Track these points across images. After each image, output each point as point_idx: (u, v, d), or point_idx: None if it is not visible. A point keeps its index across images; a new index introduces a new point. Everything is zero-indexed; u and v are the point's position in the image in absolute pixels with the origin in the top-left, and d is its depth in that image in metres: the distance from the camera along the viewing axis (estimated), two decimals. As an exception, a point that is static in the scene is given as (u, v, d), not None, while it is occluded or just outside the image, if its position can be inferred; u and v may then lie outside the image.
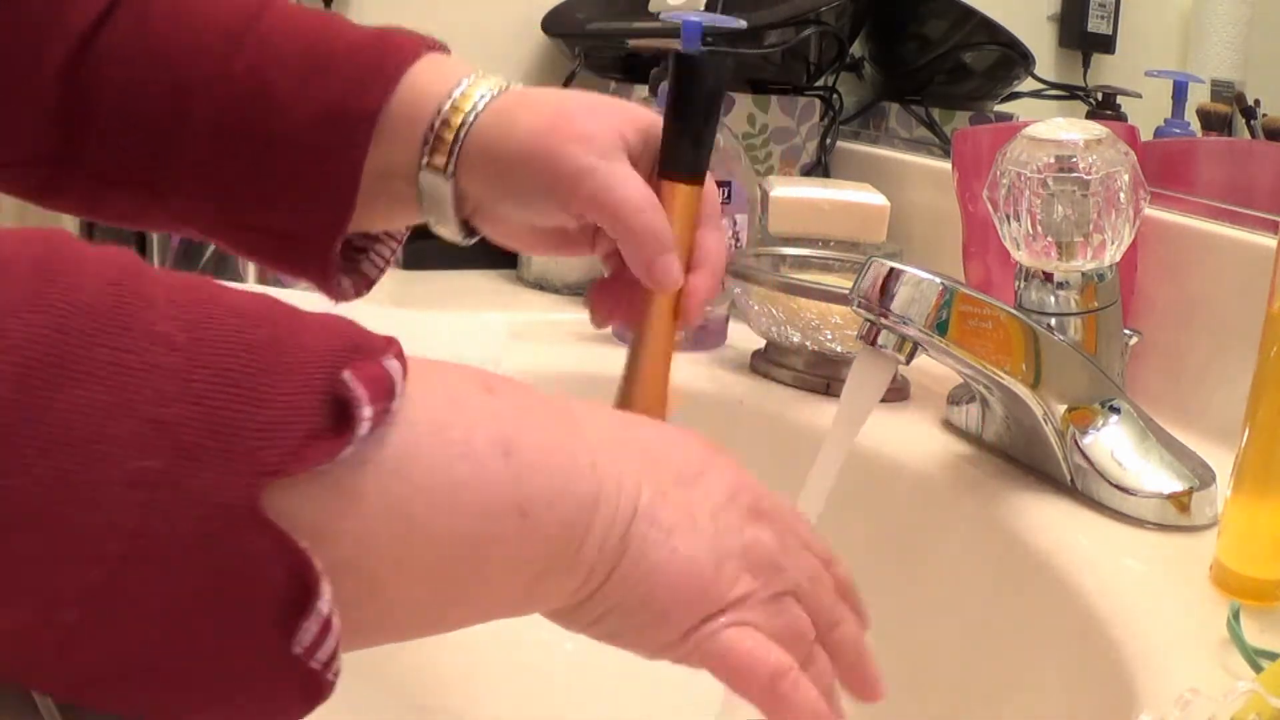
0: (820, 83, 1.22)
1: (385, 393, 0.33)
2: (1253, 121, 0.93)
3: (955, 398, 0.75)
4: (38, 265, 0.29)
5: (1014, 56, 1.17)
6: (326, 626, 0.31)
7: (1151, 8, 1.10)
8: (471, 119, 0.55)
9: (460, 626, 0.38)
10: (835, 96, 1.21)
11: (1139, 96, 1.04)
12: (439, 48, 0.58)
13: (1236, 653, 0.48)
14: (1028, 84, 1.15)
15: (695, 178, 0.57)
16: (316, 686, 0.32)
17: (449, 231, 0.58)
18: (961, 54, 1.23)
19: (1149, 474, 0.64)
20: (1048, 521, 0.63)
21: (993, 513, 0.66)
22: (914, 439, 0.74)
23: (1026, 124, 0.68)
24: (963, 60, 1.24)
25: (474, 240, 0.60)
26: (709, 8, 1.15)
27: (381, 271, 0.62)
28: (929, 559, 0.70)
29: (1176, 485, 0.63)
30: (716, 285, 0.57)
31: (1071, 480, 0.65)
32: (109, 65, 0.56)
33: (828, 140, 1.19)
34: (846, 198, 1.00)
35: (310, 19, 0.58)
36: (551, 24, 1.22)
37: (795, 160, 1.18)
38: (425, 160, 0.55)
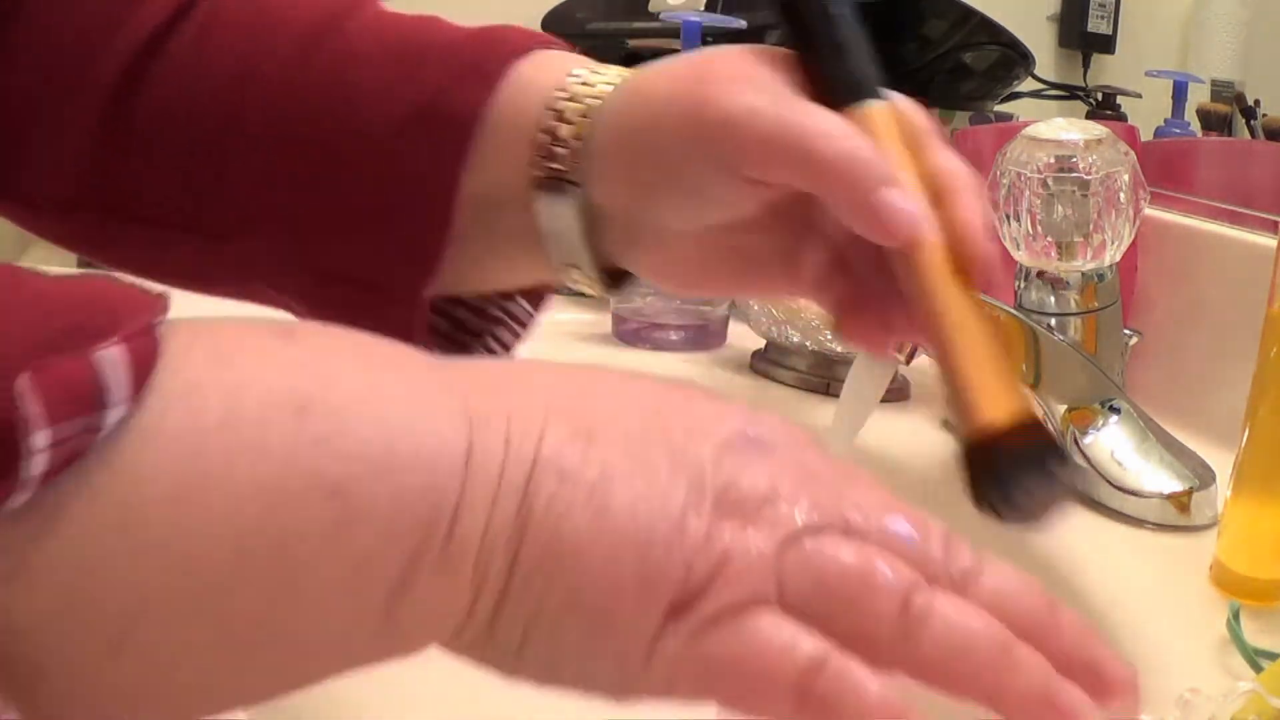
0: (820, 83, 1.22)
1: (84, 402, 0.23)
2: (1253, 121, 0.94)
3: (955, 398, 0.75)
4: None
5: (1014, 56, 1.17)
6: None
7: (1151, 8, 1.10)
8: (594, 105, 0.42)
9: (284, 690, 0.27)
10: (835, 96, 1.21)
11: (1139, 96, 1.04)
12: (555, 44, 0.46)
13: (1236, 653, 0.48)
14: (1028, 84, 1.15)
15: (870, 94, 0.41)
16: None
17: (583, 273, 0.43)
18: (961, 54, 1.23)
19: (1149, 474, 0.64)
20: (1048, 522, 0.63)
21: (993, 513, 0.66)
22: (914, 439, 0.74)
23: (1026, 124, 0.68)
24: (963, 60, 1.24)
25: (618, 294, 0.45)
26: (709, 8, 1.15)
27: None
28: (929, 559, 0.70)
29: (1176, 485, 0.63)
30: (983, 207, 0.39)
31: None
32: (162, 83, 0.45)
33: (828, 140, 1.19)
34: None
35: (405, 19, 0.46)
36: (551, 24, 1.22)
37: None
38: (541, 171, 0.42)
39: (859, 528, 0.29)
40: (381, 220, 0.43)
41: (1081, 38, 1.11)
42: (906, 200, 0.37)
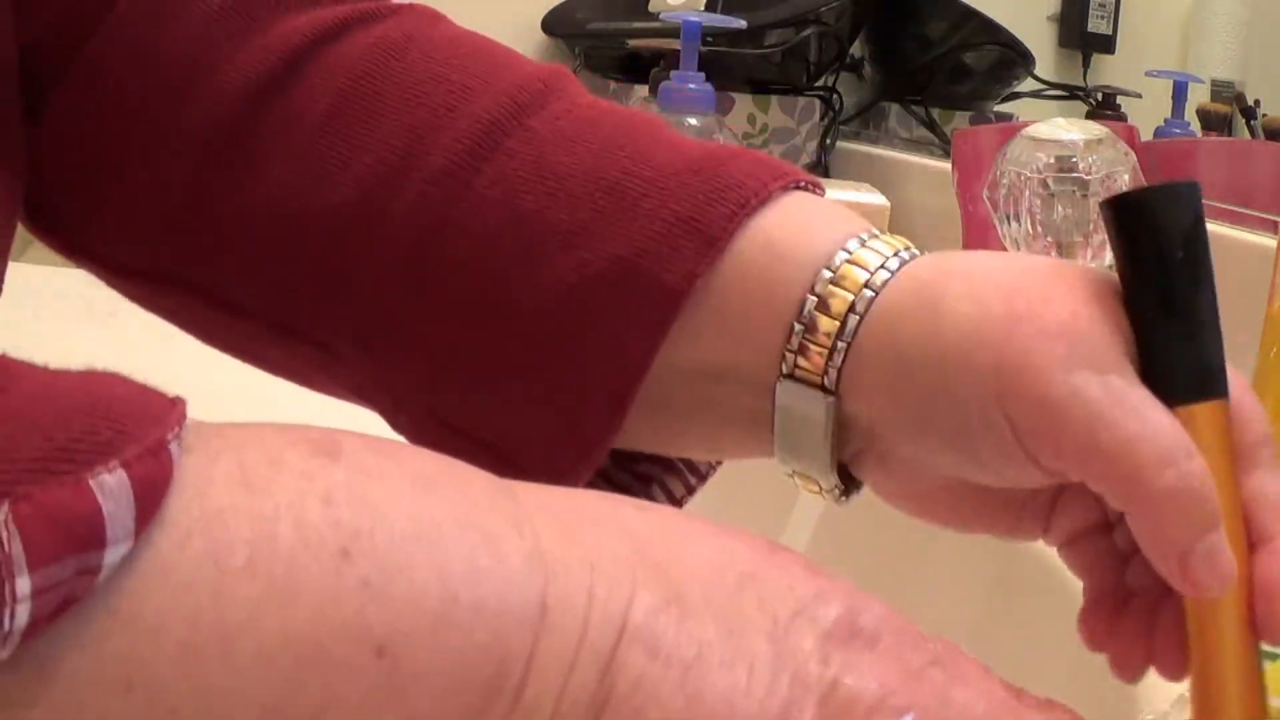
0: (820, 83, 1.23)
1: (79, 540, 0.20)
2: (1253, 121, 0.94)
3: (955, 398, 0.75)
4: None
5: (1014, 56, 1.17)
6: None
7: (1151, 8, 1.10)
8: (868, 299, 0.33)
9: None
10: (835, 96, 1.21)
11: (1139, 96, 1.04)
12: (805, 185, 0.36)
13: (1236, 653, 0.48)
14: (1028, 84, 1.15)
15: (1212, 395, 0.32)
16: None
17: (816, 479, 0.36)
18: (961, 54, 1.23)
19: (1149, 474, 0.63)
20: (1048, 522, 0.63)
21: (993, 513, 0.66)
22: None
23: (1026, 124, 0.68)
24: (963, 60, 1.24)
25: (846, 501, 0.38)
26: (709, 8, 1.15)
27: (670, 504, 0.40)
28: (929, 559, 0.70)
29: (1176, 485, 0.63)
30: None
31: (1071, 480, 0.65)
32: (268, 156, 0.37)
33: (828, 140, 1.19)
34: (846, 198, 1.00)
35: (604, 116, 0.37)
36: (552, 24, 1.23)
37: (795, 160, 1.18)
38: (789, 365, 0.34)
39: None
40: (539, 388, 0.35)
41: (1081, 38, 1.11)
42: (1220, 559, 0.31)
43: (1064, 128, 0.66)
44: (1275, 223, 0.77)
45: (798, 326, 0.34)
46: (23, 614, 0.19)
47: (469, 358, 0.36)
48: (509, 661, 0.23)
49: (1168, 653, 0.34)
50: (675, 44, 0.96)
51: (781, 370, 0.34)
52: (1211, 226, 0.83)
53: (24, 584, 0.19)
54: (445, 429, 0.36)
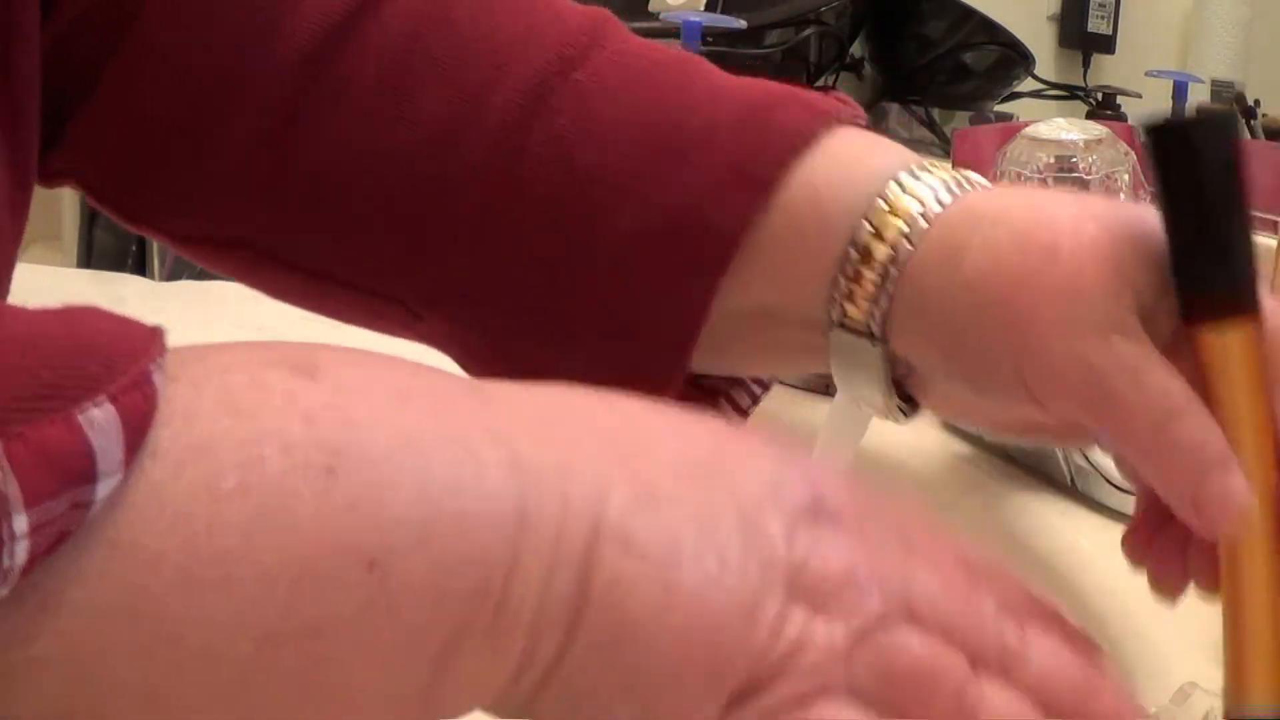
0: (820, 83, 1.23)
1: (71, 475, 0.20)
2: (1253, 121, 0.94)
3: (955, 398, 0.76)
4: None
5: (1014, 56, 1.17)
6: None
7: (1151, 8, 1.10)
8: (907, 251, 0.34)
9: None
10: (835, 96, 1.21)
11: (1139, 96, 1.04)
12: (849, 119, 0.37)
13: (1236, 653, 0.48)
14: (1028, 84, 1.16)
15: (1243, 310, 0.33)
16: None
17: (876, 406, 0.38)
18: (961, 54, 1.23)
19: (1149, 474, 0.64)
20: (1048, 521, 0.63)
21: (993, 513, 0.66)
22: (914, 439, 0.74)
23: (1026, 124, 0.68)
24: (963, 60, 1.24)
25: (910, 419, 0.39)
26: (709, 8, 1.15)
27: (738, 415, 0.42)
28: (929, 559, 0.70)
29: (1176, 485, 0.63)
30: None
31: (1071, 480, 0.65)
32: (333, 121, 0.38)
33: (828, 140, 1.19)
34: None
35: (650, 66, 0.38)
36: (551, 24, 1.23)
37: None
38: (837, 313, 0.35)
39: (924, 612, 0.27)
40: (605, 339, 0.37)
41: (1081, 38, 1.11)
42: (1231, 495, 0.32)
43: (1064, 128, 0.66)
44: (1275, 223, 0.77)
45: (841, 280, 0.35)
46: (21, 551, 0.20)
47: (538, 312, 0.37)
48: (492, 570, 0.23)
49: (1202, 569, 0.35)
50: (675, 44, 0.96)
51: (830, 318, 0.36)
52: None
53: (21, 522, 0.20)
54: (516, 375, 0.36)
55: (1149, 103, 1.02)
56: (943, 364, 0.35)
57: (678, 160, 0.36)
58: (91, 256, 0.90)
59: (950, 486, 0.70)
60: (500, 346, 0.38)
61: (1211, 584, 0.35)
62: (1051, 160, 0.65)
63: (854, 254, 0.35)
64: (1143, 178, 0.66)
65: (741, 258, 0.36)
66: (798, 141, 0.36)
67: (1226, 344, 0.33)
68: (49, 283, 0.80)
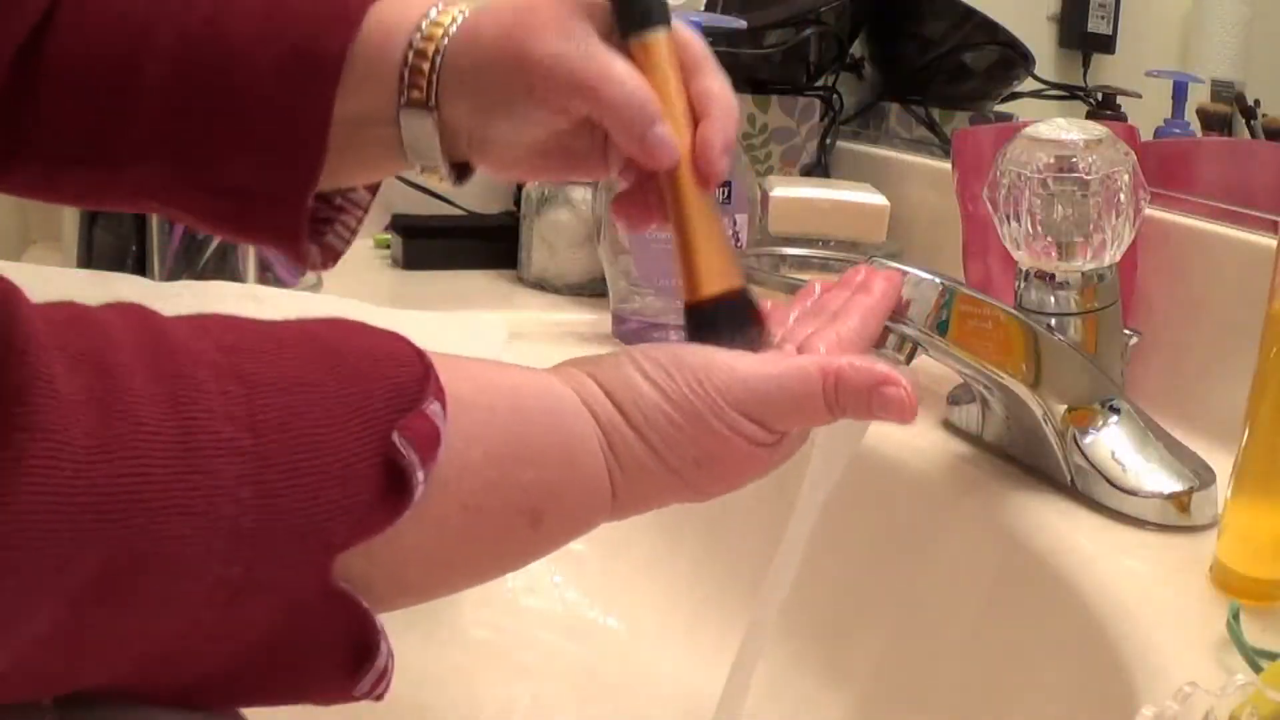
0: (820, 83, 1.22)
1: (433, 447, 0.35)
2: (1253, 121, 0.94)
3: (955, 398, 0.75)
4: (96, 403, 0.30)
5: (1014, 56, 1.17)
6: (382, 674, 0.36)
7: (1151, 8, 1.10)
8: (444, 44, 0.52)
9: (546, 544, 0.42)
10: (835, 96, 1.21)
11: (1139, 96, 1.04)
12: None
13: (1236, 653, 0.48)
14: (1028, 84, 1.15)
15: (656, 25, 0.51)
16: (368, 697, 0.37)
17: (438, 175, 0.55)
18: (961, 54, 1.23)
19: (1149, 474, 0.63)
20: (1048, 521, 0.63)
21: (993, 513, 0.66)
22: (914, 439, 0.74)
23: (1026, 124, 0.68)
24: (963, 60, 1.24)
25: (465, 181, 0.56)
26: (709, 8, 1.15)
27: (347, 243, 0.59)
28: (929, 559, 0.70)
29: (1176, 485, 0.63)
30: (729, 129, 0.51)
31: (1071, 480, 0.65)
32: (57, 41, 0.52)
33: (828, 140, 1.19)
34: (846, 198, 1.00)
35: None
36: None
37: (795, 160, 1.18)
38: (404, 98, 0.52)
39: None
40: (268, 145, 0.52)
41: (1081, 38, 1.11)
42: (664, 138, 0.49)
43: (1064, 128, 0.66)
44: (1275, 223, 0.77)
45: (406, 71, 0.51)
46: (419, 492, 0.35)
47: (218, 141, 0.52)
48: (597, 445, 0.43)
49: (655, 210, 0.52)
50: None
51: (400, 103, 0.52)
52: (1212, 226, 0.82)
53: (420, 475, 0.35)
54: (213, 195, 0.53)
55: (1149, 103, 1.02)
56: (481, 113, 0.52)
57: (289, 13, 0.51)
58: (91, 256, 0.90)
59: (950, 486, 0.70)
60: (186, 173, 0.53)
61: (662, 217, 0.52)
62: (1051, 160, 0.65)
63: (412, 56, 0.51)
64: (1142, 177, 0.66)
65: (343, 77, 0.51)
66: None
67: (646, 47, 0.51)
68: (49, 282, 0.80)
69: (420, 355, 0.37)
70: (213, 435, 0.31)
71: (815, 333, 0.49)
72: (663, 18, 0.52)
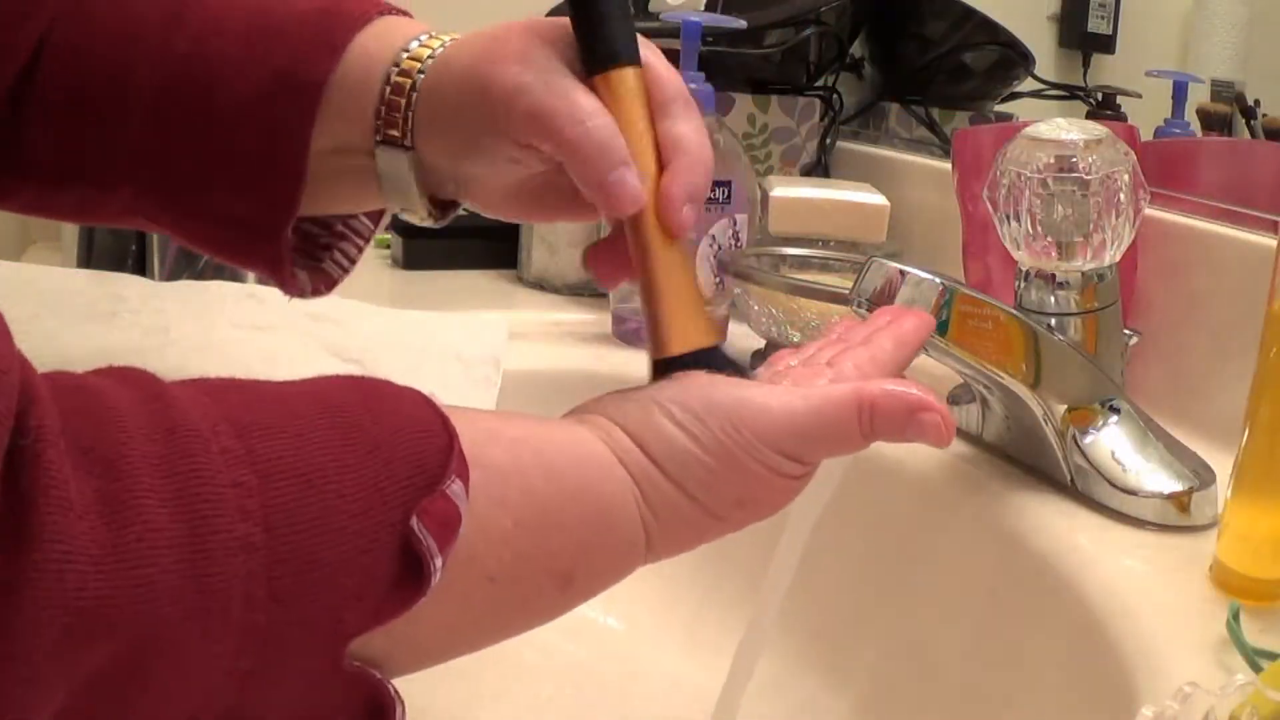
0: (820, 83, 1.22)
1: (452, 530, 0.35)
2: (1253, 121, 0.94)
3: (955, 398, 0.75)
4: (106, 506, 0.29)
5: (1014, 56, 1.17)
6: None
7: (1151, 8, 1.10)
8: (419, 78, 0.50)
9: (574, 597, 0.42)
10: (835, 96, 1.21)
11: (1139, 96, 1.04)
12: (397, 11, 0.53)
13: (1236, 653, 0.48)
14: (1028, 84, 1.15)
15: (621, 61, 0.48)
16: None
17: (416, 213, 0.53)
18: (961, 54, 1.23)
19: (1149, 474, 0.63)
20: (1048, 521, 0.63)
21: (993, 513, 0.66)
22: (914, 439, 0.74)
23: (1026, 124, 0.68)
24: (963, 60, 1.24)
25: (445, 221, 0.54)
26: (709, 8, 1.15)
27: (345, 272, 0.57)
28: (929, 559, 0.70)
29: (1176, 485, 0.63)
30: (698, 177, 0.47)
31: (1071, 480, 0.65)
32: (47, 68, 0.52)
33: (828, 140, 1.19)
34: (846, 198, 1.00)
35: None
36: (551, 24, 1.22)
37: (795, 160, 1.18)
38: (380, 134, 0.50)
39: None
40: (248, 171, 0.51)
41: (1081, 38, 1.11)
42: (625, 183, 0.46)
43: (1064, 128, 0.66)
44: (1275, 223, 0.77)
45: (382, 106, 0.50)
46: (437, 578, 0.34)
47: (201, 165, 0.51)
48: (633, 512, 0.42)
49: (624, 262, 0.49)
50: (675, 44, 0.96)
51: (376, 139, 0.50)
52: (1211, 226, 0.82)
53: (438, 561, 0.34)
54: (197, 219, 0.53)
55: (1149, 102, 1.02)
56: (451, 150, 0.50)
57: (274, 38, 0.50)
58: (91, 256, 0.90)
59: (950, 486, 0.70)
60: (172, 197, 0.52)
61: (628, 270, 0.49)
62: (1051, 160, 0.65)
63: (388, 91, 0.50)
64: (1142, 177, 0.66)
65: (323, 106, 0.49)
66: (360, 21, 0.51)
67: (611, 84, 0.48)
68: (49, 282, 0.80)
69: (444, 423, 0.36)
70: (224, 534, 0.31)
71: (844, 351, 0.48)
72: (630, 56, 0.49)
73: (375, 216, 0.58)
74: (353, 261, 0.57)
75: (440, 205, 0.53)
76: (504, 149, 0.48)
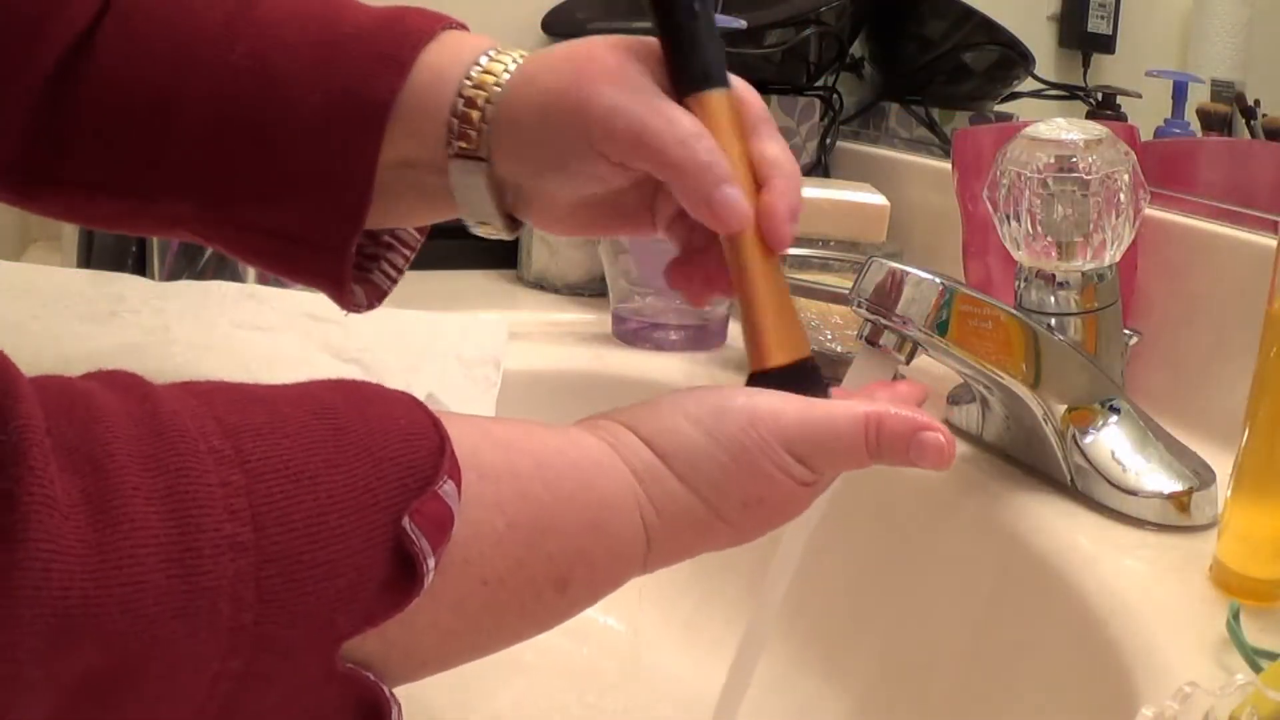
0: (820, 83, 1.22)
1: (445, 531, 0.35)
2: (1253, 121, 0.94)
3: (955, 398, 0.75)
4: (92, 505, 0.29)
5: (1014, 56, 1.17)
6: None
7: (1151, 8, 1.10)
8: (496, 92, 0.50)
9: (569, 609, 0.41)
10: (835, 96, 1.21)
11: (1139, 96, 1.04)
12: (457, 25, 0.53)
13: (1236, 653, 0.48)
14: (1028, 84, 1.15)
15: (715, 82, 0.50)
16: None
17: (491, 227, 0.53)
18: (961, 54, 1.23)
19: (1149, 474, 0.63)
20: (1048, 521, 0.63)
21: (993, 513, 0.66)
22: (914, 439, 0.74)
23: (1026, 124, 0.68)
24: (963, 60, 1.24)
25: (517, 234, 0.54)
26: (709, 8, 1.15)
27: (394, 282, 0.57)
28: (929, 559, 0.70)
29: (1176, 485, 0.63)
30: (795, 196, 0.49)
31: (1071, 480, 0.65)
32: (95, 67, 0.51)
33: (828, 140, 1.19)
34: (846, 198, 1.00)
35: (311, 1, 0.53)
36: (552, 24, 1.22)
37: (795, 160, 1.18)
38: (453, 148, 0.50)
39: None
40: (312, 188, 0.50)
41: (1081, 38, 1.11)
42: (734, 200, 0.47)
43: (1064, 128, 0.66)
44: (1275, 223, 0.77)
45: (454, 120, 0.50)
46: (430, 579, 0.34)
47: (255, 180, 0.51)
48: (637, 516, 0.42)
49: (718, 279, 0.50)
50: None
51: (450, 153, 0.50)
52: (1212, 226, 0.82)
53: (431, 562, 0.34)
54: (253, 234, 0.52)
55: (1149, 102, 1.02)
56: (533, 166, 0.50)
57: (338, 54, 0.50)
58: (91, 256, 0.90)
59: (950, 486, 0.70)
60: (224, 211, 0.52)
61: (726, 286, 0.49)
62: (1051, 160, 0.65)
63: (461, 105, 0.50)
64: (1142, 177, 0.66)
65: (390, 122, 0.49)
66: (424, 36, 0.51)
67: (706, 107, 0.49)
68: (49, 283, 0.80)
69: (435, 425, 0.36)
70: (212, 532, 0.30)
71: (867, 388, 0.50)
72: (722, 78, 0.50)
73: (422, 227, 0.58)
74: (400, 272, 0.57)
75: (507, 219, 0.53)
76: (592, 168, 0.49)
